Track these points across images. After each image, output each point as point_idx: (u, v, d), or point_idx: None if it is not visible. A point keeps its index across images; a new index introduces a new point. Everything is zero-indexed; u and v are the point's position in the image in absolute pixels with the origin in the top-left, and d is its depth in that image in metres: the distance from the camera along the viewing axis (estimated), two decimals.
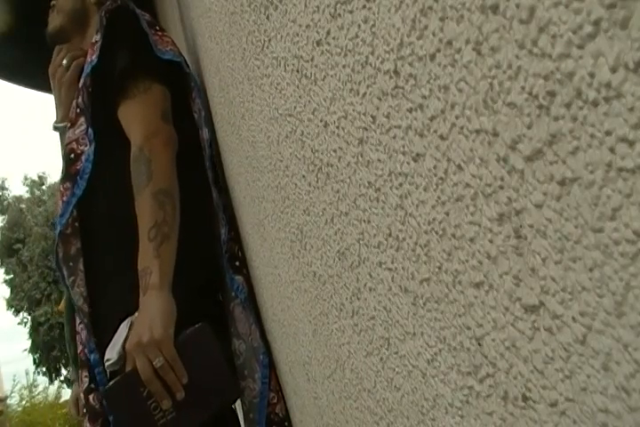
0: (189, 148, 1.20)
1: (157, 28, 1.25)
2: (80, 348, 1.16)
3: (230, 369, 1.02)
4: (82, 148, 1.20)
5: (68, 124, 1.25)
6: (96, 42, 1.20)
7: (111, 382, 1.00)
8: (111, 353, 1.03)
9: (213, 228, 1.21)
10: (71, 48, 1.38)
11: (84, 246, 1.19)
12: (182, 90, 1.25)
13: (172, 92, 1.20)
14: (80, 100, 1.21)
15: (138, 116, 1.14)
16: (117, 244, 1.16)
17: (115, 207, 1.16)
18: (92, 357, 1.11)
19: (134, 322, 1.01)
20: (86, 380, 1.12)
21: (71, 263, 1.18)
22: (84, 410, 1.12)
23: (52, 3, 1.43)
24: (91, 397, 1.11)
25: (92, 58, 1.18)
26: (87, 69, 1.19)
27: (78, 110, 1.22)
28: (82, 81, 1.21)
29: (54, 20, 1.41)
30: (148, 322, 0.98)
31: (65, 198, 1.18)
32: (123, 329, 1.04)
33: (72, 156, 1.20)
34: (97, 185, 1.18)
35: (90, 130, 1.18)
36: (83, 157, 1.19)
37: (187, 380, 0.97)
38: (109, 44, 1.18)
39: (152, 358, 0.96)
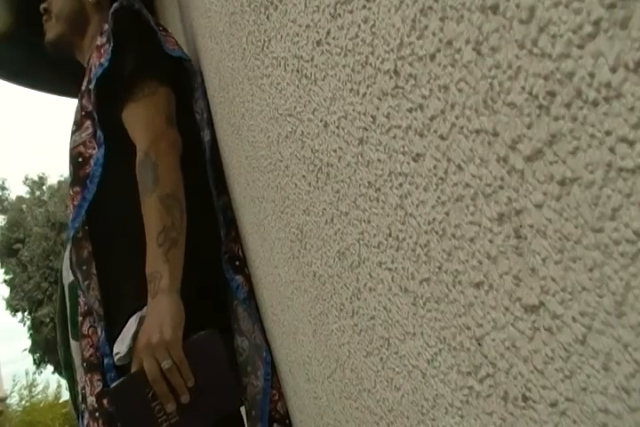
0: (191, 148, 1.19)
1: (161, 27, 1.25)
2: (91, 351, 1.16)
3: (235, 376, 1.02)
4: (90, 151, 1.19)
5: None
6: (102, 44, 1.18)
7: (117, 382, 1.00)
8: (120, 347, 1.04)
9: (215, 228, 1.21)
10: None
11: (96, 250, 1.19)
12: (186, 90, 1.24)
13: (176, 92, 1.19)
14: (85, 102, 1.21)
15: (142, 120, 1.13)
16: (129, 247, 1.15)
17: (125, 210, 1.16)
18: (105, 361, 1.11)
19: (144, 323, 1.01)
20: (99, 384, 1.11)
21: (84, 267, 1.18)
22: (96, 414, 1.11)
23: (43, 6, 1.36)
24: (105, 401, 1.10)
25: (102, 61, 1.17)
26: (97, 73, 1.17)
27: (83, 113, 1.22)
28: (85, 83, 1.20)
29: (53, 28, 1.35)
30: (158, 323, 0.98)
31: (76, 202, 1.18)
32: (132, 324, 1.04)
33: (80, 159, 1.20)
34: (107, 188, 1.17)
35: (99, 133, 1.18)
36: (92, 161, 1.18)
37: (192, 383, 0.97)
38: (117, 47, 1.17)
39: (160, 360, 0.96)
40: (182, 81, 1.24)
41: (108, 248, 1.19)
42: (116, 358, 1.04)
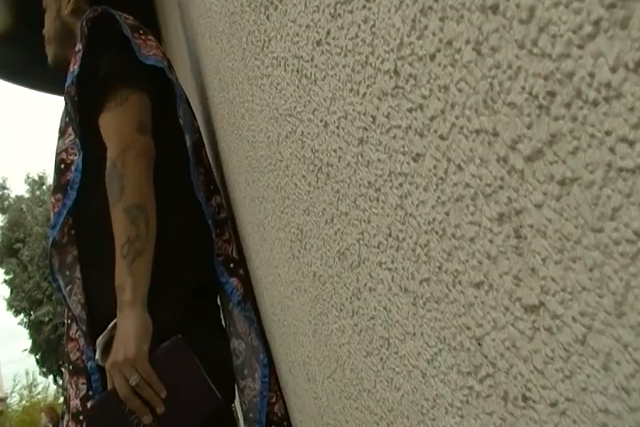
0: (177, 151, 1.19)
1: (141, 31, 1.23)
2: (77, 354, 1.16)
3: (210, 378, 1.02)
4: (71, 157, 1.20)
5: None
6: (79, 51, 1.18)
7: (93, 402, 1.01)
8: (96, 354, 1.05)
9: (204, 229, 1.21)
10: None
11: (80, 254, 1.19)
12: (168, 93, 1.24)
13: (157, 95, 1.18)
14: (66, 110, 1.21)
15: (112, 130, 1.13)
16: (110, 252, 1.16)
17: (106, 215, 1.16)
18: (89, 364, 1.12)
19: (114, 338, 1.02)
20: (84, 387, 1.12)
21: (67, 272, 1.18)
22: (80, 417, 1.12)
23: (44, 32, 1.42)
24: (89, 404, 1.11)
25: (75, 67, 1.17)
26: (70, 79, 1.17)
27: (67, 120, 1.22)
28: (66, 90, 1.20)
29: (49, 52, 1.41)
30: (123, 340, 0.99)
31: (56, 210, 1.18)
32: (106, 331, 1.05)
33: (62, 166, 1.20)
34: (90, 193, 1.17)
35: (77, 140, 1.18)
36: (72, 167, 1.19)
37: (165, 394, 0.98)
38: (91, 53, 1.17)
39: (128, 377, 0.97)
40: (163, 85, 1.23)
41: (91, 253, 1.19)
42: (100, 362, 1.06)
